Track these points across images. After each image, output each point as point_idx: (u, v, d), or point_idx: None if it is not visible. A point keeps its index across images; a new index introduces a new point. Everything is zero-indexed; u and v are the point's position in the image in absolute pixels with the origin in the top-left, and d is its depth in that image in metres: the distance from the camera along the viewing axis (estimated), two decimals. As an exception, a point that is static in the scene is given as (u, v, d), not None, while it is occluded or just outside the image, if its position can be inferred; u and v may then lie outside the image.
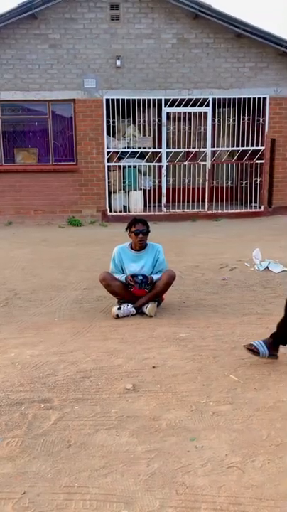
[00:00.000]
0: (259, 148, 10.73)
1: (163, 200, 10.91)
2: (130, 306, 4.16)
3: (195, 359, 3.21)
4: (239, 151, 10.94)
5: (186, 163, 10.84)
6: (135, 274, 4.15)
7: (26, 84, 10.25)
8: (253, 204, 11.16)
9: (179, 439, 2.27)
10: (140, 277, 4.12)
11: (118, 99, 10.35)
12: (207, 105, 10.54)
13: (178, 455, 2.15)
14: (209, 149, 10.79)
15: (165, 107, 10.51)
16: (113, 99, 10.36)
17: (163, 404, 2.60)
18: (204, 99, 10.45)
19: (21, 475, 2.04)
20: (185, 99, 10.37)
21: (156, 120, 10.67)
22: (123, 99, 10.34)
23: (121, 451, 2.19)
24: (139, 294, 4.19)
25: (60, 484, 1.97)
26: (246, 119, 10.54)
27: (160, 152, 10.70)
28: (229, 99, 10.71)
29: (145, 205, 11.02)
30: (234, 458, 2.12)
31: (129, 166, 10.72)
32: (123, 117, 10.59)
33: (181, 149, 10.83)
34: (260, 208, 11.03)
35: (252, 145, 10.80)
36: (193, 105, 10.44)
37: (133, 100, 10.38)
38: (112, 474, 2.03)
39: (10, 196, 10.55)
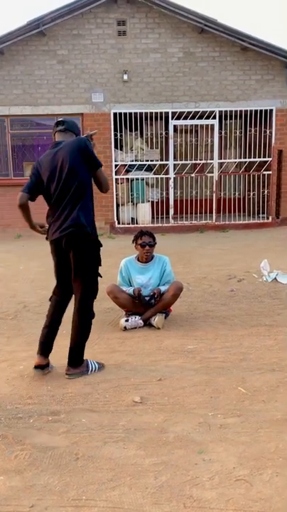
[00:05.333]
0: (266, 159, 10.76)
1: (171, 211, 10.95)
2: (137, 318, 4.17)
3: (203, 371, 3.20)
4: (246, 162, 10.97)
5: (193, 175, 10.89)
6: (144, 295, 4.19)
7: (35, 99, 10.41)
8: (260, 215, 11.16)
9: (187, 451, 2.27)
10: (147, 298, 4.15)
11: (125, 113, 10.46)
12: (214, 117, 10.60)
13: (186, 468, 2.14)
14: (216, 161, 10.83)
15: (172, 119, 10.60)
16: (120, 113, 10.47)
17: (171, 417, 2.59)
18: (211, 112, 10.53)
19: (29, 488, 2.04)
20: (191, 111, 10.46)
21: (163, 133, 10.76)
22: (130, 113, 10.44)
23: (129, 463, 2.19)
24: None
25: (67, 497, 1.98)
26: (252, 130, 10.59)
27: (167, 164, 10.77)
28: (236, 111, 10.78)
29: (153, 217, 11.07)
30: (242, 471, 2.11)
31: (137, 179, 10.78)
32: (131, 130, 10.69)
33: (188, 161, 10.89)
34: (268, 218, 11.02)
35: (259, 156, 10.83)
36: (200, 118, 10.51)
37: (141, 113, 10.48)
38: (120, 487, 2.03)
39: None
